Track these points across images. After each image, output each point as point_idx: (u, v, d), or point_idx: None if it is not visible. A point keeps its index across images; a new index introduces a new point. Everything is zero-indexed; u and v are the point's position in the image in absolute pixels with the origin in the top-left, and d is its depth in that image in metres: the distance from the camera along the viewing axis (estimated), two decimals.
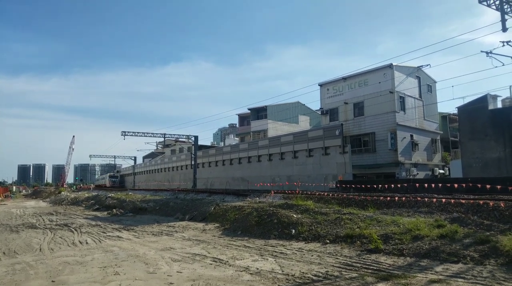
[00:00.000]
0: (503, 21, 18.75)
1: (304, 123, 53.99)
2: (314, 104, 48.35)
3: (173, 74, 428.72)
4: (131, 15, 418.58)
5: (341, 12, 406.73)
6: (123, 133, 57.33)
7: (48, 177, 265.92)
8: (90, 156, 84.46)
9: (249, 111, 54.95)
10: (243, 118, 57.76)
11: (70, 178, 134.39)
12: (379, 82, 34.95)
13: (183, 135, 62.51)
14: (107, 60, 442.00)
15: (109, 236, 13.97)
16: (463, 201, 13.01)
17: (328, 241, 10.80)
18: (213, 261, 8.99)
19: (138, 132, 57.58)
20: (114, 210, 25.32)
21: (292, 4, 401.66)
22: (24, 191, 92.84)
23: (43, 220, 21.06)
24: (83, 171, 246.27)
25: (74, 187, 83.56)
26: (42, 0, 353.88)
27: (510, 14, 19.46)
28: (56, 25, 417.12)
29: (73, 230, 15.97)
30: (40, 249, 11.16)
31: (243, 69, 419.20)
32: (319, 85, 41.15)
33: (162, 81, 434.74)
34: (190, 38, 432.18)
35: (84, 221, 20.23)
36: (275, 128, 50.22)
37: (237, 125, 64.45)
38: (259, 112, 53.95)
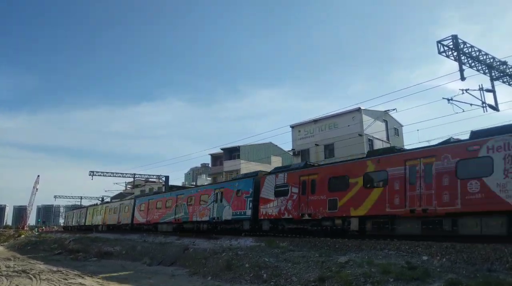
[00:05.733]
0: (461, 71, 20.10)
1: (276, 163, 54.16)
2: (287, 145, 49.03)
3: (145, 113, 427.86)
4: (105, 52, 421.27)
5: (312, 56, 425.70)
6: (91, 173, 55.82)
7: (8, 218, 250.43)
8: (55, 197, 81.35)
9: (221, 151, 54.92)
10: (215, 158, 57.54)
11: (32, 220, 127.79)
12: (348, 125, 36.07)
13: (153, 175, 61.46)
14: (78, 97, 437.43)
15: (71, 283, 13.18)
16: None
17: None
18: None
19: (106, 172, 56.27)
20: (78, 254, 24.04)
21: (266, 47, 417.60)
22: None
23: None
24: (46, 212, 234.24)
25: (36, 229, 79.20)
26: (7, 32, 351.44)
27: (467, 65, 20.96)
28: (26, 59, 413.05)
29: (31, 276, 14.95)
30: None
31: (217, 108, 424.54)
32: (290, 127, 42.00)
33: (134, 120, 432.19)
34: (162, 76, 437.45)
35: (45, 266, 19.02)
36: (247, 168, 50.12)
37: (210, 165, 64.06)
38: (232, 152, 53.99)
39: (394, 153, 16.14)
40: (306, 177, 18.61)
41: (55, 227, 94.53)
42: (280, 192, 19.77)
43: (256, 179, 22.01)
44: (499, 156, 11.94)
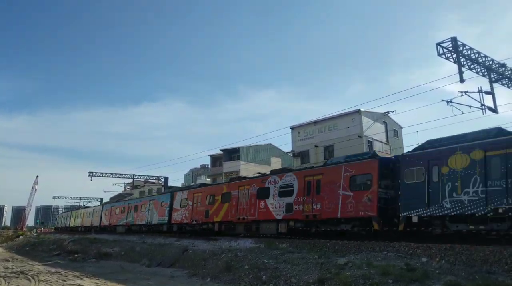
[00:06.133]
0: (460, 73, 20.11)
1: (276, 165, 54.16)
2: (286, 146, 49.05)
3: (145, 114, 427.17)
4: (105, 53, 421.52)
5: (312, 58, 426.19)
6: (90, 174, 55.79)
7: (7, 219, 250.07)
8: (54, 197, 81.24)
9: (221, 152, 54.87)
10: (215, 159, 57.47)
11: (31, 221, 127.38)
12: (348, 127, 36.07)
13: (153, 176, 61.35)
14: (78, 99, 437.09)
15: (70, 284, 13.15)
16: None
17: None
18: None
19: (106, 173, 56.22)
20: (76, 255, 23.99)
21: (265, 48, 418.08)
22: None
23: None
24: (45, 213, 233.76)
25: (35, 230, 79.04)
26: (7, 33, 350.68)
27: (466, 67, 20.97)
28: (26, 61, 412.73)
29: (30, 278, 14.92)
30: None
31: (216, 110, 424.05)
32: (290, 128, 41.98)
33: (134, 121, 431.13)
34: (162, 78, 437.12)
35: (43, 267, 18.99)
36: (247, 169, 50.14)
37: (209, 166, 63.99)
38: (231, 154, 53.94)
39: (240, 179, 25.28)
40: (196, 194, 27.60)
41: (52, 228, 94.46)
42: (183, 204, 28.54)
43: (172, 194, 30.87)
44: (272, 187, 20.66)
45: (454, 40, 20.10)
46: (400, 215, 14.46)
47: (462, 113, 21.13)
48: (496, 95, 21.98)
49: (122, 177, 59.13)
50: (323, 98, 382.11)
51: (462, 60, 20.49)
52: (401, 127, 41.80)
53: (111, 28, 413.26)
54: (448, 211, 13.10)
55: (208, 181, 59.83)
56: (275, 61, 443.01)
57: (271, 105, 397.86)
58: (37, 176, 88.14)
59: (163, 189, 50.53)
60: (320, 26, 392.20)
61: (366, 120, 36.20)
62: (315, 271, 11.63)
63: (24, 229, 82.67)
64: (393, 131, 40.41)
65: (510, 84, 23.41)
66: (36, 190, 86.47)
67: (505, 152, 12.02)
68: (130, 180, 63.21)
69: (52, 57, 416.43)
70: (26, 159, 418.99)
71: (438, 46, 20.22)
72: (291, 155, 43.82)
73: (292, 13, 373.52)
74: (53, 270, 17.88)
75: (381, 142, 37.79)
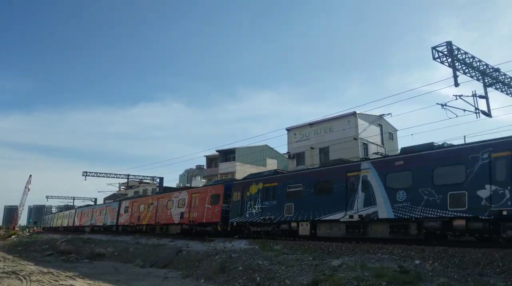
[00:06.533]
0: (455, 77, 20.24)
1: (271, 166, 54.17)
2: (282, 148, 49.02)
3: (143, 114, 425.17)
4: (104, 53, 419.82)
5: (310, 60, 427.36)
6: (84, 174, 55.48)
7: None
8: (47, 197, 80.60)
9: (217, 153, 54.80)
10: (211, 160, 57.38)
11: (23, 220, 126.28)
12: (344, 129, 36.18)
13: (147, 176, 61.14)
14: (76, 99, 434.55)
15: (62, 284, 13.06)
16: None
17: None
18: None
19: (100, 173, 55.98)
20: (69, 256, 23.83)
21: (263, 50, 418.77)
22: None
23: None
24: (38, 212, 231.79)
25: (27, 229, 78.39)
26: (7, 32, 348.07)
27: (461, 71, 21.13)
28: (25, 60, 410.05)
29: (21, 278, 14.78)
30: None
31: (214, 111, 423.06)
32: (286, 129, 42.04)
33: (133, 121, 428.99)
34: (161, 78, 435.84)
35: (35, 267, 18.82)
36: (242, 170, 50.07)
37: (205, 167, 63.87)
38: (227, 154, 53.89)
39: (159, 194, 34.94)
40: (134, 202, 36.09)
41: (40, 228, 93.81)
42: (126, 210, 36.92)
43: (120, 202, 39.59)
44: (175, 200, 28.58)
45: (449, 44, 20.24)
46: (230, 221, 22.15)
47: (457, 116, 21.30)
48: (490, 100, 22.21)
49: (116, 177, 58.91)
50: (323, 99, 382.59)
51: (457, 64, 20.63)
52: (396, 130, 41.99)
53: (110, 29, 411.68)
54: (248, 219, 20.92)
55: (204, 181, 59.75)
56: (274, 62, 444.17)
57: (269, 106, 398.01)
58: (30, 175, 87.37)
59: (158, 189, 50.36)
60: (319, 27, 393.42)
61: (361, 123, 36.33)
62: (309, 273, 11.64)
63: (16, 228, 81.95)
64: (388, 134, 40.61)
65: (504, 89, 23.61)
66: (29, 189, 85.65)
67: (263, 185, 20.62)
68: (125, 180, 62.97)
69: (50, 57, 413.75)
70: (19, 158, 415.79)
71: (434, 50, 20.36)
72: (286, 156, 43.90)
73: (292, 13, 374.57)
74: (45, 270, 17.73)
75: (376, 144, 37.92)
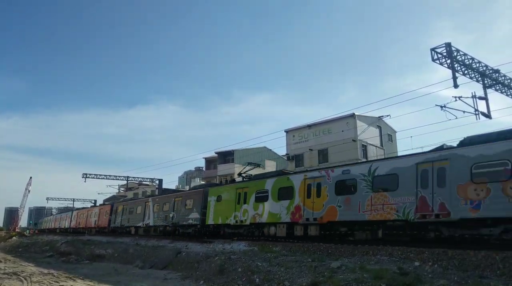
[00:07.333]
0: (454, 78, 20.25)
1: (270, 168, 54.19)
2: (281, 149, 49.17)
3: (139, 117, 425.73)
4: (101, 54, 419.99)
5: (308, 62, 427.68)
6: (84, 176, 55.39)
7: None
8: (47, 199, 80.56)
9: (216, 155, 54.79)
10: (209, 162, 57.36)
11: (24, 222, 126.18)
12: (342, 131, 36.21)
13: (147, 178, 61.10)
14: (71, 101, 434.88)
15: (62, 285, 13.06)
16: None
17: None
18: None
19: (100, 175, 55.86)
20: (69, 257, 23.81)
21: (260, 53, 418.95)
22: None
23: None
24: (38, 214, 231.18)
25: (28, 231, 78.32)
26: (4, 33, 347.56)
27: (460, 73, 21.15)
28: (20, 61, 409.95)
29: (22, 279, 14.78)
30: None
31: (211, 113, 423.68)
32: (285, 131, 42.08)
33: (128, 123, 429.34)
34: (158, 81, 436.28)
35: (36, 269, 18.83)
36: None
37: (204, 169, 63.83)
38: (226, 156, 53.89)
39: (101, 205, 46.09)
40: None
41: (36, 230, 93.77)
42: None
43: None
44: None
45: (448, 45, 20.25)
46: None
47: (456, 118, 21.31)
48: (489, 101, 22.20)
49: (116, 179, 58.74)
50: (319, 102, 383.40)
51: (456, 65, 20.63)
52: (395, 132, 42.04)
53: (109, 30, 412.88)
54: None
55: (203, 183, 59.66)
56: (274, 62, 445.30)
57: (266, 109, 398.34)
58: (31, 177, 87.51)
59: (157, 191, 50.32)
60: (317, 30, 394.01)
61: (360, 125, 36.36)
62: (309, 274, 11.64)
63: (17, 230, 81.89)
64: (387, 136, 40.63)
65: (503, 90, 23.63)
66: (29, 191, 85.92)
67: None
68: (124, 182, 62.86)
69: (47, 58, 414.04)
70: (19, 161, 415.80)
71: (433, 52, 20.35)
72: (285, 158, 43.90)
73: (292, 14, 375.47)
74: (45, 271, 17.73)
75: (375, 146, 37.97)
